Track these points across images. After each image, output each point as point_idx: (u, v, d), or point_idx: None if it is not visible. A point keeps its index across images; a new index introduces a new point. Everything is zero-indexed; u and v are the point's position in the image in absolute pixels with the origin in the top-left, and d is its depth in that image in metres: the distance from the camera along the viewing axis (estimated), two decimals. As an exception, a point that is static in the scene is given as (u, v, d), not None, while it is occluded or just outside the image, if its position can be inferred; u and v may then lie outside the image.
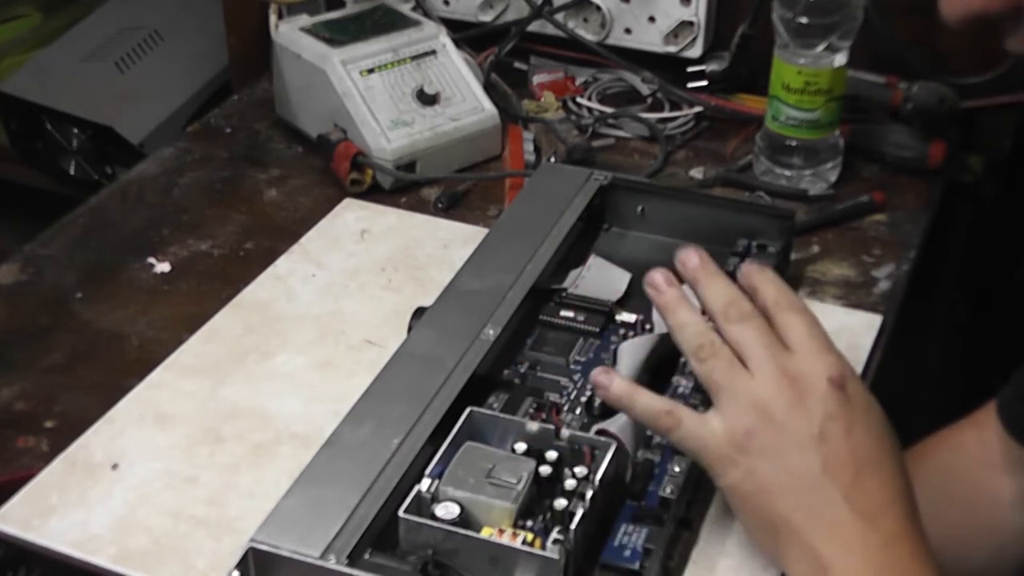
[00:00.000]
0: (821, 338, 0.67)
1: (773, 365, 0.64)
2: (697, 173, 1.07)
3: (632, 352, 0.78)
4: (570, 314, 0.84)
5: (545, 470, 0.66)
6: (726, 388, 0.65)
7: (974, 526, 0.79)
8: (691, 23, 1.16)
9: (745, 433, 0.63)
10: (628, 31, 1.19)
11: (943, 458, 0.81)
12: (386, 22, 1.12)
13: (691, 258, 0.70)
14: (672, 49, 1.18)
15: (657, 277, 0.70)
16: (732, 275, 0.85)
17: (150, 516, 0.71)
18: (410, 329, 0.81)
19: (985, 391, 0.80)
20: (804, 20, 0.98)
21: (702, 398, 0.74)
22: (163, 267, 0.95)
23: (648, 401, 0.67)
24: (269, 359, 0.84)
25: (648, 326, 0.84)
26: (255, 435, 0.77)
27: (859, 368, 0.82)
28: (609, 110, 1.15)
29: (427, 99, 1.07)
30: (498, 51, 1.18)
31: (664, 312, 0.69)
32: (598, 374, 0.68)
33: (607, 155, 1.09)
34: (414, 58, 1.09)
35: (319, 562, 0.61)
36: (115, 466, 0.74)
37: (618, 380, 0.67)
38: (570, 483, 0.66)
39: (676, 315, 0.68)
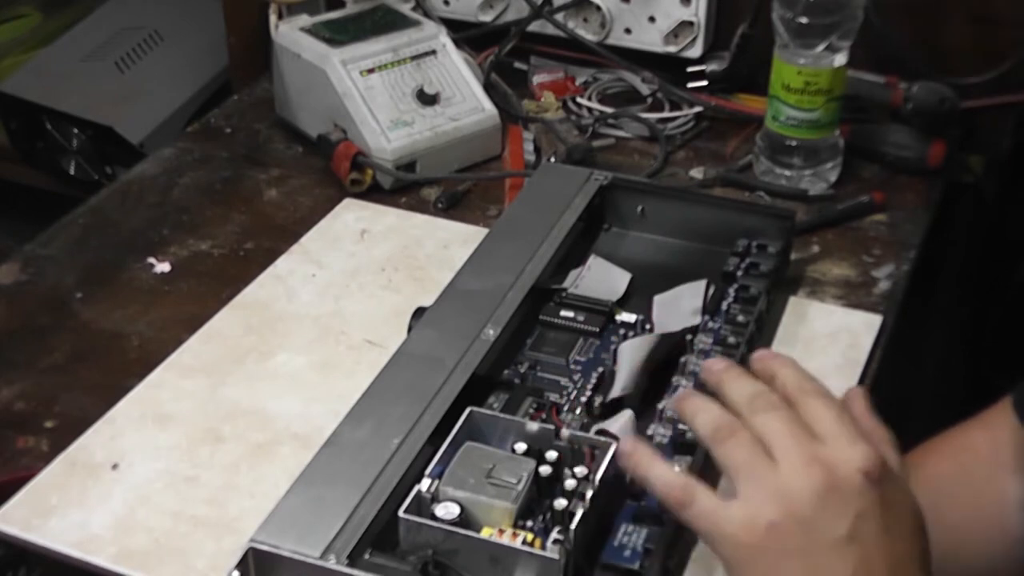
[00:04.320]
0: (852, 426, 0.61)
1: (801, 451, 0.59)
2: (697, 173, 1.07)
3: (632, 352, 0.78)
4: (570, 314, 0.84)
5: (545, 470, 0.66)
6: (747, 472, 0.59)
7: (981, 527, 0.78)
8: (691, 23, 1.16)
9: (768, 525, 0.57)
10: (628, 31, 1.19)
11: (950, 459, 0.81)
12: (386, 22, 1.12)
13: (717, 363, 0.65)
14: (672, 49, 1.18)
15: (627, 446, 0.65)
16: (732, 275, 0.86)
17: (150, 516, 0.71)
18: (410, 329, 0.81)
19: (985, 391, 0.80)
20: (804, 20, 0.98)
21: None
22: (163, 267, 0.95)
23: (663, 473, 0.62)
24: (269, 359, 0.84)
25: (648, 326, 0.84)
26: (255, 435, 0.77)
27: (859, 368, 0.82)
28: (609, 110, 1.15)
29: (427, 99, 1.07)
30: (498, 51, 1.18)
31: (678, 409, 0.65)
32: (627, 444, 0.64)
33: (607, 155, 1.09)
34: (414, 58, 1.09)
35: (319, 562, 0.61)
36: (115, 466, 0.74)
37: (642, 449, 0.64)
38: (570, 483, 0.66)
39: (689, 403, 0.64)
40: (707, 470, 0.72)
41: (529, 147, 1.09)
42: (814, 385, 0.63)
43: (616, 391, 0.76)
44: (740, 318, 0.81)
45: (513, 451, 0.68)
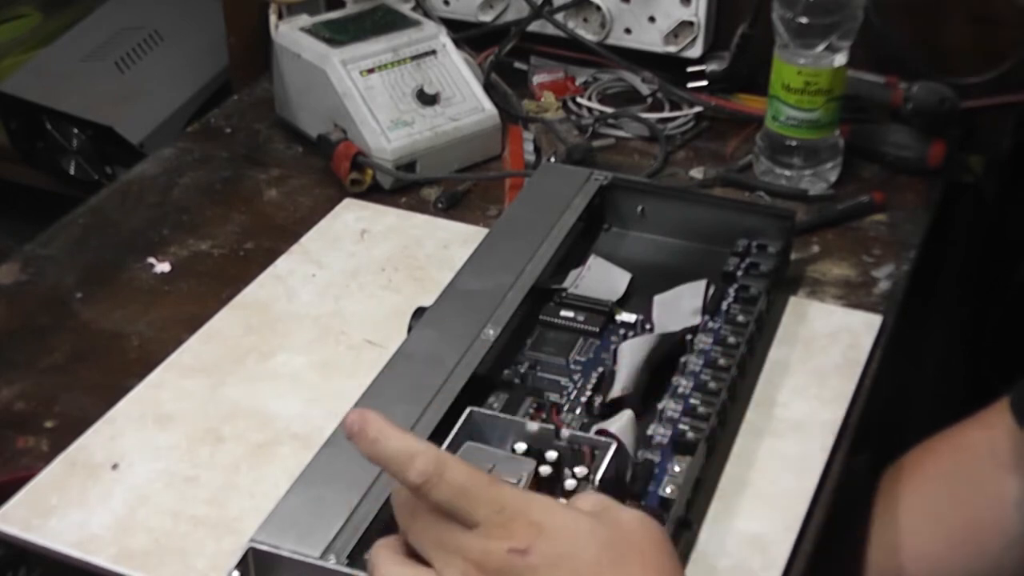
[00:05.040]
0: (484, 494, 0.54)
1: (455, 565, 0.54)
2: (697, 173, 1.07)
3: (632, 352, 0.78)
4: (570, 314, 0.84)
5: (545, 470, 0.66)
6: None
7: (980, 527, 0.78)
8: (691, 23, 1.16)
9: None
10: (628, 31, 1.19)
11: (948, 459, 0.81)
12: (386, 22, 1.12)
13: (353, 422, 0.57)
14: (672, 49, 1.18)
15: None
16: (732, 275, 0.86)
17: (150, 516, 0.71)
18: (410, 329, 0.81)
19: (985, 391, 0.80)
20: (804, 20, 0.98)
21: (703, 398, 0.74)
22: (163, 267, 0.95)
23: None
24: (269, 359, 0.84)
25: (648, 326, 0.84)
26: (255, 435, 0.77)
27: (859, 368, 0.82)
28: (609, 110, 1.15)
29: (427, 99, 1.07)
30: (498, 51, 1.18)
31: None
32: None
33: (607, 155, 1.09)
34: (414, 58, 1.09)
35: (319, 562, 0.61)
36: (115, 466, 0.74)
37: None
38: (570, 483, 0.66)
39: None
40: (706, 471, 0.72)
41: (529, 147, 1.09)
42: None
43: (616, 391, 0.76)
44: (740, 318, 0.81)
45: (513, 451, 0.68)
